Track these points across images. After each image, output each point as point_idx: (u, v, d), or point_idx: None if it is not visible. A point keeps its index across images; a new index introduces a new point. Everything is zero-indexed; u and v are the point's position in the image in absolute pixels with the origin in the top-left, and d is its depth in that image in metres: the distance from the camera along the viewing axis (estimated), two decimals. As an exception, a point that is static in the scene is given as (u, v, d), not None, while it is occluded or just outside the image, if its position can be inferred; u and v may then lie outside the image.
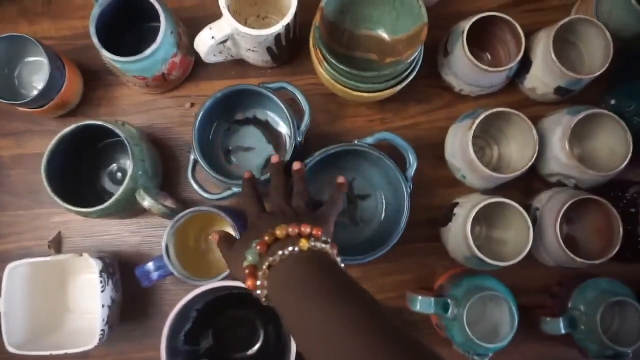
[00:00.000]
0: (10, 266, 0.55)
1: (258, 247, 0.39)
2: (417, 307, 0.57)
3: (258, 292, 0.39)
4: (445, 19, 0.65)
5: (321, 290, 0.35)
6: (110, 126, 0.56)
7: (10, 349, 0.54)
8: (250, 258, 0.39)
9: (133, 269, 0.58)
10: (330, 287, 0.36)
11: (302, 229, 0.40)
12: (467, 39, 0.57)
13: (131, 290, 0.61)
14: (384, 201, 0.63)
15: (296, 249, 0.38)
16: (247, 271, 0.39)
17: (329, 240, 0.41)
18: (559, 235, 0.55)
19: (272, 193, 0.49)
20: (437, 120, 0.66)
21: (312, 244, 0.39)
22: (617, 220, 0.55)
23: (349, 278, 0.38)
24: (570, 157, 0.56)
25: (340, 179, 0.54)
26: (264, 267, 0.38)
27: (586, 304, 0.56)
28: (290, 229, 0.40)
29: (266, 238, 0.39)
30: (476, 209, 0.55)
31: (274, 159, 0.54)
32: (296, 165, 0.53)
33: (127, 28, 0.64)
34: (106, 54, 0.55)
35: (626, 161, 0.56)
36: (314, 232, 0.40)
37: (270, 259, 0.38)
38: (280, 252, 0.38)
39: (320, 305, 0.34)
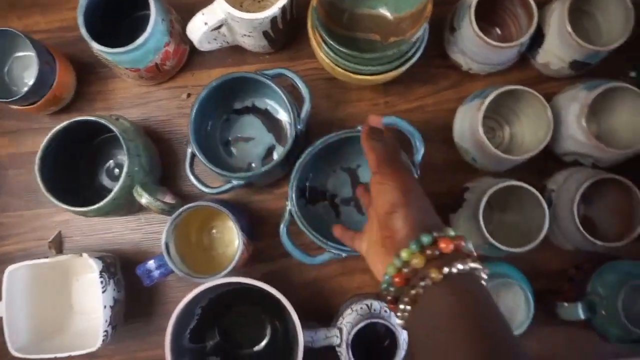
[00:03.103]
0: (9, 269, 0.54)
1: (397, 280, 0.35)
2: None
3: (399, 315, 0.35)
4: (450, -7, 0.61)
5: (470, 330, 0.31)
6: (103, 121, 0.54)
7: (15, 353, 0.53)
8: (389, 288, 0.36)
9: (135, 266, 0.56)
10: (477, 323, 0.32)
11: (442, 246, 0.33)
12: (475, 14, 0.54)
13: (135, 288, 0.60)
14: (391, 188, 0.60)
15: (441, 275, 0.33)
16: (388, 298, 0.36)
17: (472, 250, 0.35)
18: (577, 218, 0.52)
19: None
20: (445, 101, 0.63)
21: (461, 267, 0.33)
22: (639, 200, 0.52)
23: (494, 309, 0.34)
24: (588, 135, 0.53)
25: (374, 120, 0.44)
26: (405, 300, 0.34)
27: (606, 288, 0.53)
28: (428, 252, 0.34)
29: (405, 271, 0.34)
30: (488, 194, 0.52)
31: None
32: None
33: (121, 18, 0.61)
34: (95, 46, 0.53)
35: (648, 137, 0.53)
36: (456, 243, 0.34)
37: (413, 292, 0.34)
38: (422, 286, 0.33)
39: (464, 345, 0.31)
